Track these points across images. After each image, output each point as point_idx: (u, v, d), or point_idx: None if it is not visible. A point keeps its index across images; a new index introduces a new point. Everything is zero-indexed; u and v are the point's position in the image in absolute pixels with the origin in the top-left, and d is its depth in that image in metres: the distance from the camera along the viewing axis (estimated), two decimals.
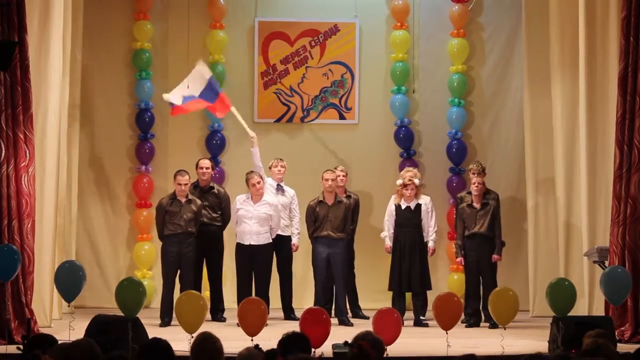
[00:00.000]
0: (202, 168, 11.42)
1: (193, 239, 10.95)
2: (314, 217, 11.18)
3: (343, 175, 11.56)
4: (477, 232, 11.13)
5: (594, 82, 10.48)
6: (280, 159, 11.61)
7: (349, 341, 5.43)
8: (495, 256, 11.09)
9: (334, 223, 11.12)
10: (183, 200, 10.97)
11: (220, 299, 11.39)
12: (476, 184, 11.18)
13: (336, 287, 11.24)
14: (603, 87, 10.42)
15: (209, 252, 11.35)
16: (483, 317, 11.04)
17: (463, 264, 11.20)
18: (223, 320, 11.17)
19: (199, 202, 11.06)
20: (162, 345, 5.15)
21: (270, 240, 11.12)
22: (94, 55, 12.48)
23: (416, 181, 11.18)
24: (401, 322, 8.75)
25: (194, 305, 8.88)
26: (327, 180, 11.22)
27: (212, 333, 5.30)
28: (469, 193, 11.35)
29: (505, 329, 8.98)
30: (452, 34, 12.84)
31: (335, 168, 11.60)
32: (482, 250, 11.11)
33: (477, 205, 11.17)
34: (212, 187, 11.44)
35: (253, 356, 5.14)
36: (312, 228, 11.20)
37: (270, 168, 11.59)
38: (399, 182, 11.27)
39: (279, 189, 11.50)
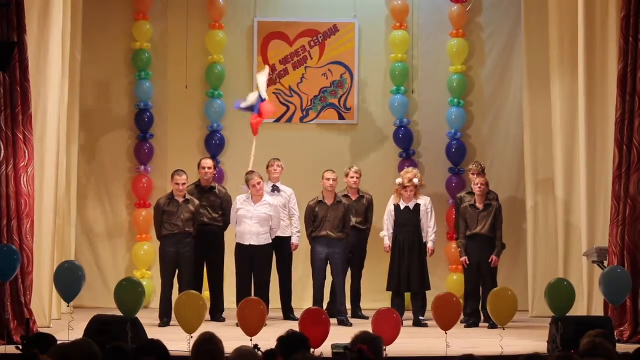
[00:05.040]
0: (204, 168, 11.42)
1: (191, 239, 10.95)
2: (313, 217, 11.17)
3: (357, 177, 11.56)
4: (479, 232, 11.12)
5: (593, 82, 10.48)
6: (277, 159, 11.60)
7: (348, 343, 5.43)
8: (493, 258, 11.08)
9: (333, 223, 11.12)
10: (181, 200, 10.97)
11: (220, 299, 11.38)
12: (479, 185, 11.16)
13: (336, 287, 11.23)
14: (602, 87, 10.42)
15: (210, 252, 11.34)
16: (482, 318, 11.04)
17: (467, 263, 11.17)
18: (222, 320, 11.17)
19: (197, 202, 11.06)
20: (158, 346, 5.14)
21: (270, 241, 11.12)
22: (94, 56, 12.48)
23: (415, 181, 11.17)
24: (400, 323, 8.75)
25: (193, 306, 8.88)
26: (328, 179, 11.22)
27: (214, 334, 5.29)
28: (469, 193, 11.35)
29: (504, 329, 8.98)
30: (451, 34, 12.85)
31: (350, 168, 11.60)
32: (482, 251, 11.10)
33: (480, 205, 11.16)
34: (214, 187, 11.45)
35: (245, 356, 5.13)
36: (311, 228, 11.20)
37: (267, 168, 11.59)
38: (398, 181, 11.27)
39: (275, 189, 11.50)
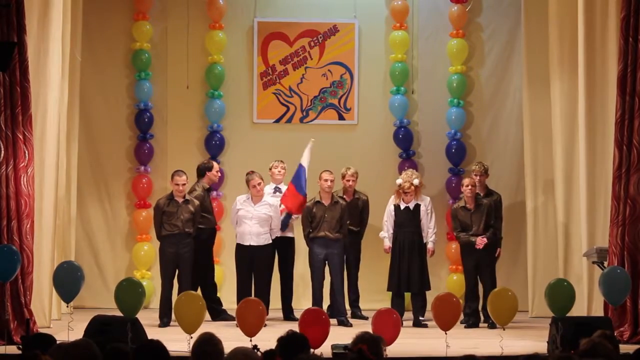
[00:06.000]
0: (218, 171, 11.60)
1: (190, 240, 10.96)
2: (310, 218, 11.16)
3: (354, 180, 11.55)
4: (475, 233, 11.09)
5: (593, 82, 10.48)
6: (281, 161, 11.61)
7: (348, 343, 5.44)
8: (484, 239, 11.00)
9: (331, 223, 11.10)
10: (180, 200, 10.97)
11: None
12: (469, 186, 11.15)
13: (335, 287, 11.23)
14: (602, 87, 10.42)
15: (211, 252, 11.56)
16: (482, 318, 11.04)
17: (487, 238, 11.04)
18: (226, 313, 11.18)
19: (196, 202, 11.06)
20: (157, 347, 5.14)
21: (270, 241, 11.12)
22: (93, 56, 12.47)
23: (415, 182, 11.16)
24: (400, 323, 8.75)
25: (193, 306, 8.89)
26: (325, 180, 11.20)
27: (214, 334, 5.29)
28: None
29: (504, 330, 8.98)
30: (451, 35, 12.84)
31: (347, 170, 11.56)
32: (480, 252, 11.09)
33: (470, 206, 11.16)
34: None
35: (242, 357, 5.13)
36: (308, 229, 11.18)
37: (270, 169, 11.59)
38: (399, 182, 11.24)
39: (277, 190, 11.52)
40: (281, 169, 11.58)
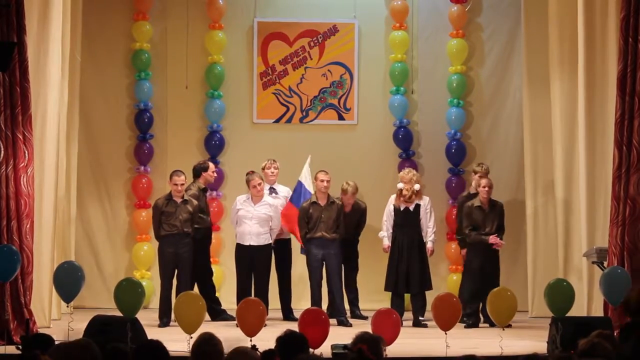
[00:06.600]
0: (214, 171, 11.57)
1: (189, 240, 10.96)
2: (307, 219, 11.14)
3: (354, 196, 11.50)
4: (487, 234, 11.04)
5: (593, 82, 10.48)
6: (274, 160, 11.58)
7: (349, 344, 5.44)
8: (497, 239, 11.03)
9: (328, 224, 11.08)
10: (179, 200, 10.97)
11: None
12: (486, 188, 11.13)
13: (333, 287, 11.21)
14: (602, 87, 10.42)
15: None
16: (482, 318, 11.03)
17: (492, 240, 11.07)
18: (224, 312, 11.18)
19: (195, 202, 11.06)
20: (157, 347, 5.14)
21: (270, 241, 11.13)
22: (93, 56, 12.48)
23: (416, 187, 11.16)
24: (400, 323, 8.75)
25: (193, 306, 8.89)
26: (322, 181, 11.17)
27: (214, 334, 5.30)
28: (472, 194, 11.36)
29: (504, 330, 8.98)
30: (451, 35, 12.84)
31: (348, 185, 11.44)
32: (487, 253, 11.06)
33: (485, 207, 11.14)
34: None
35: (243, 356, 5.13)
36: (305, 229, 11.16)
37: (263, 169, 11.57)
38: (400, 185, 11.23)
39: (272, 191, 11.51)
40: (274, 169, 11.54)
